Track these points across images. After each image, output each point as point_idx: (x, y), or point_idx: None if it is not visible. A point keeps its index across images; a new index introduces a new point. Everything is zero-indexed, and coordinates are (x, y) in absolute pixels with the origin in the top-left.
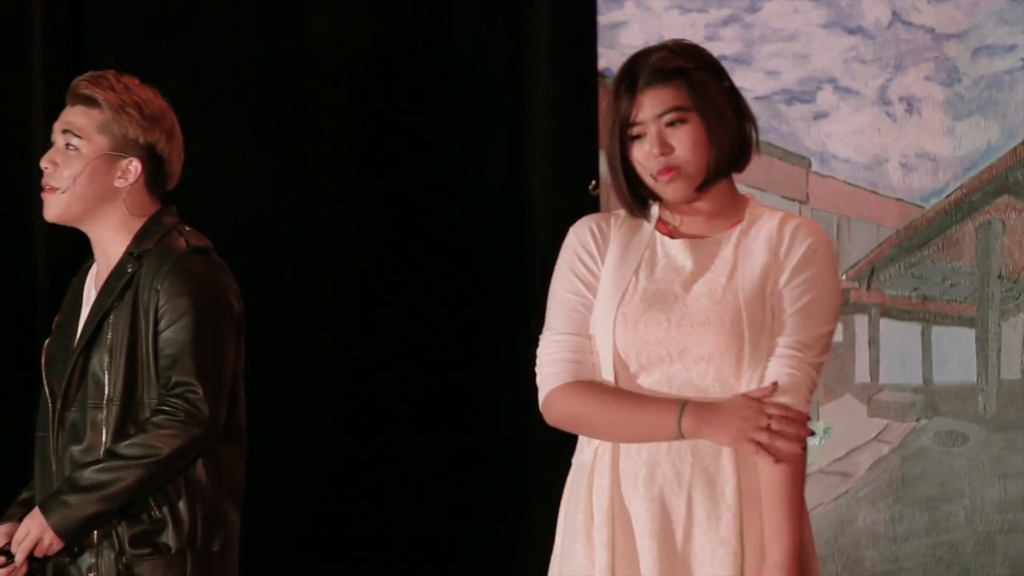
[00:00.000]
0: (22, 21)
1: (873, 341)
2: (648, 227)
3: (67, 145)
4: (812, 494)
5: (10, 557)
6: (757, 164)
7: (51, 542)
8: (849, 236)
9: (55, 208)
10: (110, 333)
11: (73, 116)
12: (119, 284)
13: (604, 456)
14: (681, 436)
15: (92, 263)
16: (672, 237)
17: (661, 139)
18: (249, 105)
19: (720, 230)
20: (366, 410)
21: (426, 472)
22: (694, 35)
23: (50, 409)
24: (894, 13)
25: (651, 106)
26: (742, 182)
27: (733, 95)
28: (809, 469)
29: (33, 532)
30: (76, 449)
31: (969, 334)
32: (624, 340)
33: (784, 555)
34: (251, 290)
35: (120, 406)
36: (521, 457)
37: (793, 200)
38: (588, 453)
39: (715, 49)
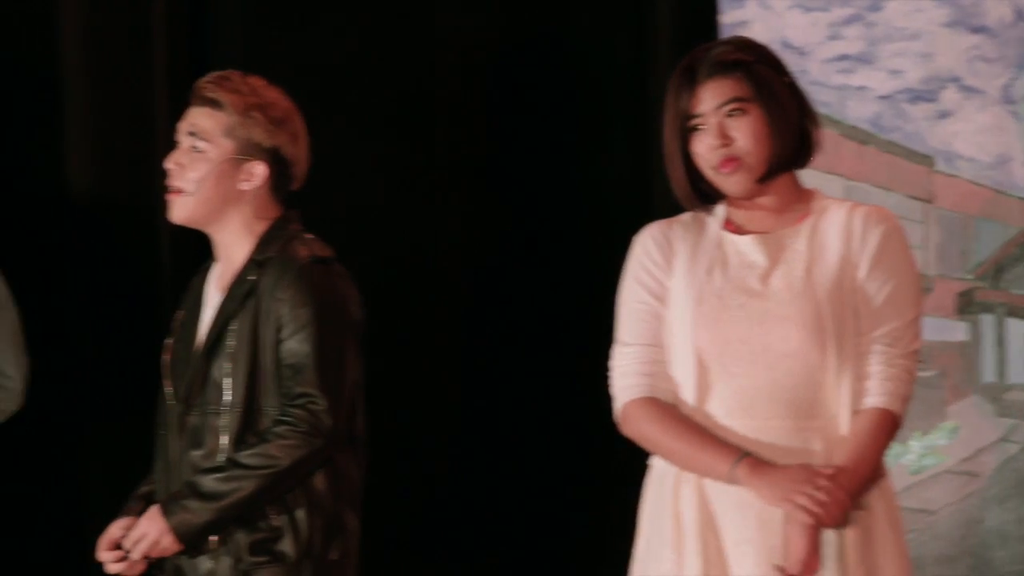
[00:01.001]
0: (144, 20)
1: (1000, 341)
2: (715, 226)
3: (192, 147)
4: (939, 494)
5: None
6: (881, 163)
7: (168, 545)
8: (975, 235)
9: (181, 210)
10: (232, 340)
11: (198, 118)
12: (241, 291)
13: None
14: (733, 482)
15: (212, 263)
16: (740, 234)
17: (721, 130)
18: (371, 106)
19: (789, 224)
20: (484, 416)
21: (544, 476)
22: (816, 34)
23: (171, 410)
24: (1017, 11)
25: (711, 97)
26: (867, 181)
27: (794, 90)
28: (936, 469)
29: (152, 534)
30: (196, 454)
31: None
32: (705, 340)
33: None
34: (370, 296)
35: (240, 413)
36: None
37: (917, 199)
38: None
39: (837, 48)
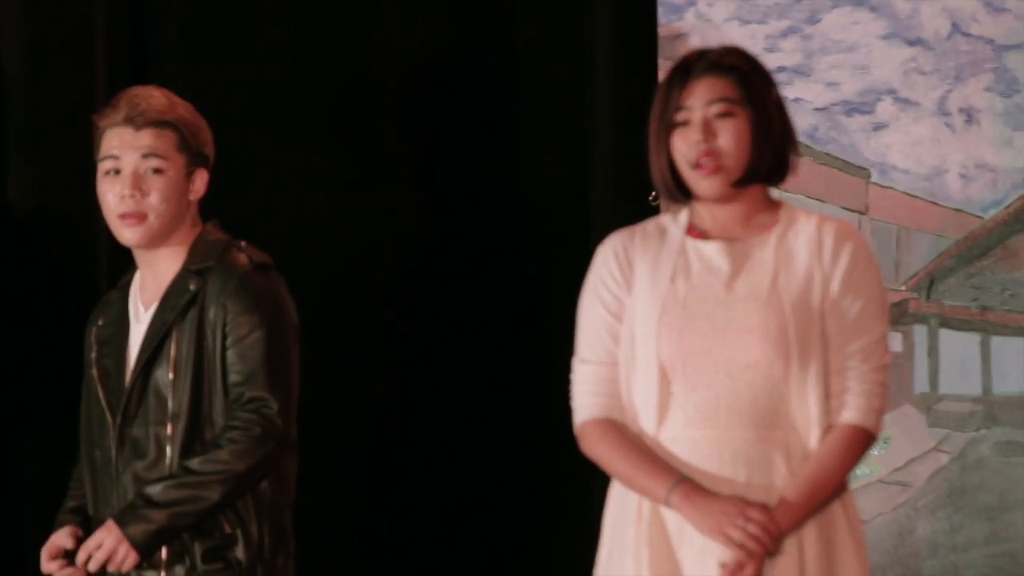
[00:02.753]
0: (84, 29)
1: (932, 351)
2: (677, 233)
3: (152, 169)
4: (871, 504)
5: (71, 560)
6: (817, 175)
7: (126, 554)
8: (908, 247)
9: (144, 235)
10: (173, 349)
11: (148, 140)
12: (181, 301)
13: None
14: (669, 507)
15: (131, 276)
16: (704, 240)
17: (707, 125)
18: (311, 115)
19: (756, 233)
20: (419, 418)
21: (479, 480)
22: (754, 46)
23: (109, 424)
24: (953, 24)
25: (702, 93)
26: (802, 193)
27: (781, 109)
28: (868, 479)
29: (108, 543)
30: (140, 465)
31: None
32: (668, 351)
33: (797, 498)
34: (309, 303)
35: (187, 422)
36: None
37: (853, 211)
38: None
39: (775, 61)
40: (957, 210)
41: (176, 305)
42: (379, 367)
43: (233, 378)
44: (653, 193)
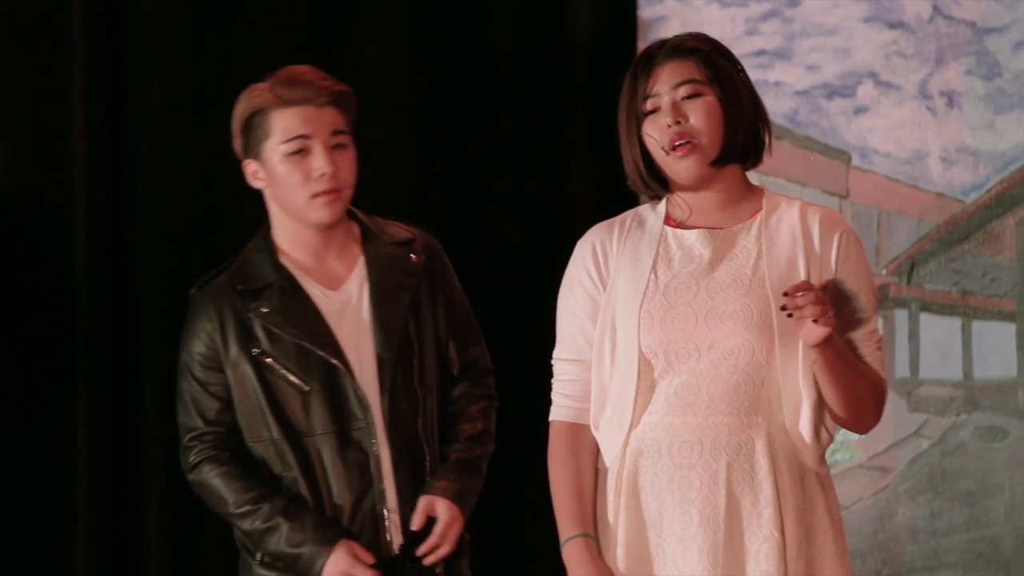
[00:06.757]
0: (61, 21)
1: (913, 336)
2: (656, 223)
3: (337, 145)
4: (851, 489)
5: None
6: (797, 158)
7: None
8: (889, 231)
9: (340, 210)
10: (412, 325)
11: (333, 116)
12: (411, 276)
13: (628, 461)
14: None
15: (262, 259)
16: (685, 229)
17: (676, 108)
18: None
19: (737, 220)
20: None
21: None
22: (734, 29)
23: (362, 403)
24: (935, 7)
25: (668, 78)
26: (782, 176)
27: (749, 87)
28: (849, 464)
29: (457, 523)
30: (405, 434)
31: (1009, 329)
32: (650, 339)
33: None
34: None
35: (437, 394)
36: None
37: (833, 195)
38: (612, 457)
39: (755, 44)
40: (938, 194)
41: (406, 280)
42: None
43: (461, 343)
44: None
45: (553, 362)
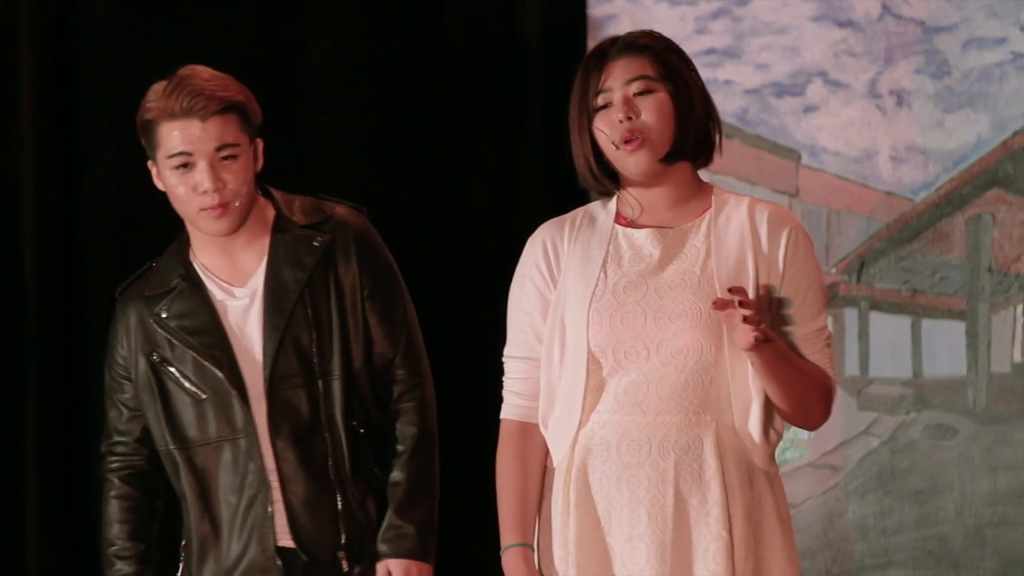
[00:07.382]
0: (10, 23)
1: (863, 334)
2: (606, 221)
3: (225, 158)
4: (801, 488)
5: None
6: (747, 157)
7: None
8: (839, 229)
9: (232, 223)
10: (309, 309)
11: (217, 130)
12: (308, 260)
13: (577, 460)
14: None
15: (171, 266)
16: (635, 228)
17: (628, 102)
18: None
19: (687, 219)
20: None
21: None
22: (684, 28)
23: (244, 399)
24: (884, 6)
25: (620, 73)
26: (732, 175)
27: (701, 87)
28: (798, 463)
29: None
30: (294, 427)
31: (959, 327)
32: (599, 337)
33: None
34: None
35: (341, 379)
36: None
37: (783, 193)
38: (560, 455)
39: (705, 42)
40: (888, 193)
41: (304, 264)
42: None
43: (382, 345)
44: None
45: (504, 359)
